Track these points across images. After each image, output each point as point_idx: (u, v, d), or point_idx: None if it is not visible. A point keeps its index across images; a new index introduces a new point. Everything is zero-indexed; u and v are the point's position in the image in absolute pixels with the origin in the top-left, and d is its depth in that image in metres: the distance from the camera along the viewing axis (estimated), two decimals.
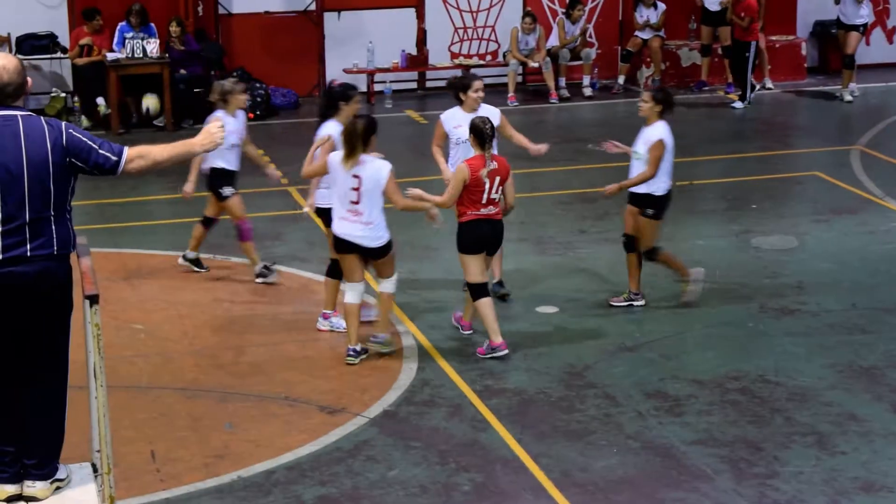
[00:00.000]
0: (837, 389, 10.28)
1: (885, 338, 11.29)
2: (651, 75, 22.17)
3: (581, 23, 21.62)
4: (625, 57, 22.11)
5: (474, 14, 22.24)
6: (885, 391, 10.22)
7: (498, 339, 10.91)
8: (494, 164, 10.77)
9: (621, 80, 22.11)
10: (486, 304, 10.91)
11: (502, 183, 10.85)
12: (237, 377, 10.59)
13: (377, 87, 21.40)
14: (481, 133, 10.74)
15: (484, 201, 10.78)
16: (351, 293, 10.82)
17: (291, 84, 21.30)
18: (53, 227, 6.51)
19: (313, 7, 21.49)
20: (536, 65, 21.20)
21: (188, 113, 19.77)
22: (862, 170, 16.65)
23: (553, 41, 21.60)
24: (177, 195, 15.86)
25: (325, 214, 11.22)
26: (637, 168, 11.60)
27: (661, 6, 21.90)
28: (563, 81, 21.62)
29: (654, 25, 21.94)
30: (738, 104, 20.58)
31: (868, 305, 12.06)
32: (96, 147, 6.65)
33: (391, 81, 21.47)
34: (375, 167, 10.55)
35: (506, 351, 10.90)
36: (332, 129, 11.14)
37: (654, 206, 11.60)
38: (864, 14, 20.93)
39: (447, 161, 11.94)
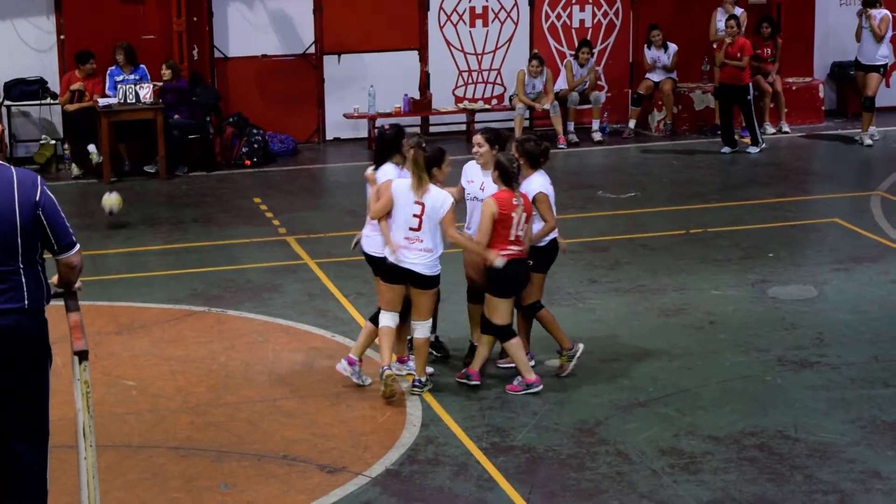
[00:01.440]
0: (860, 446, 10.22)
1: None
2: (663, 119, 22.23)
3: (590, 65, 21.69)
4: (635, 100, 22.18)
5: (479, 57, 22.32)
6: None
7: (532, 376, 11.23)
8: (521, 200, 11.10)
9: (632, 124, 22.17)
10: (516, 344, 11.26)
11: (528, 219, 11.16)
12: (233, 435, 10.54)
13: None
14: (507, 171, 11.07)
15: (512, 238, 11.07)
16: (389, 319, 11.22)
17: (290, 130, 21.36)
18: (23, 279, 6.52)
19: (312, 50, 21.57)
20: (545, 108, 21.25)
21: (183, 160, 19.82)
22: (883, 216, 16.65)
23: (561, 84, 21.67)
24: (170, 245, 15.90)
25: (375, 263, 11.42)
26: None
27: (673, 47, 21.98)
28: (571, 126, 21.68)
29: (666, 67, 22.02)
30: (753, 149, 20.61)
31: (891, 358, 12.01)
32: (63, 218, 6.76)
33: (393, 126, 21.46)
34: (440, 197, 11.01)
35: (541, 386, 11.22)
36: (389, 172, 11.41)
37: (534, 257, 11.53)
38: (885, 54, 20.97)
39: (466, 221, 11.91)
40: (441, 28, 22.06)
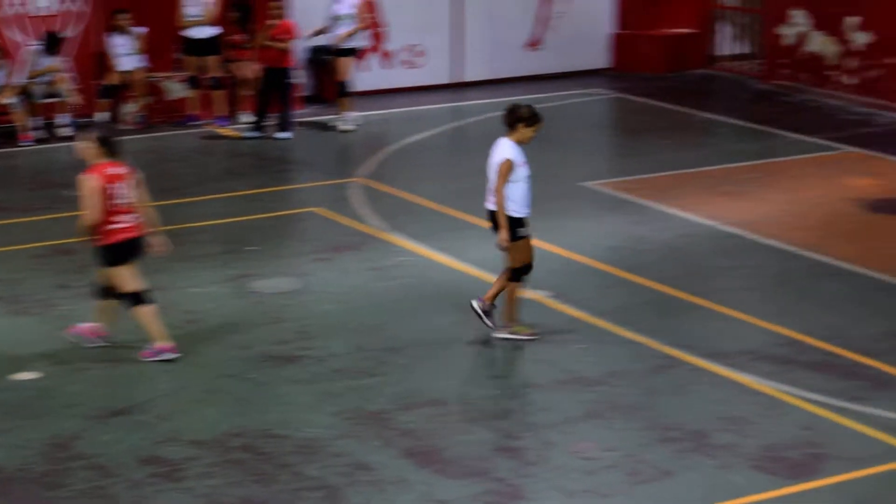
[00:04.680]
0: (347, 438, 10.53)
1: (392, 379, 11.67)
2: (136, 111, 22.05)
3: (57, 57, 21.25)
4: (104, 92, 21.89)
5: None
6: (394, 435, 10.54)
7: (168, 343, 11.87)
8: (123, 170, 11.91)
9: (103, 117, 21.86)
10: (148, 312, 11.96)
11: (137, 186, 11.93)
12: None
13: None
14: (108, 142, 12.17)
15: (123, 207, 11.77)
16: None
17: None
18: None
19: None
20: (7, 102, 20.68)
21: None
22: (364, 203, 17.13)
23: (23, 77, 21.16)
24: None
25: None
26: None
27: (139, 30, 21.78)
28: (38, 121, 21.19)
29: (133, 54, 21.77)
30: (284, 134, 20.86)
31: (374, 346, 12.41)
32: None
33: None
34: None
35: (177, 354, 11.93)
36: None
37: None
38: (356, 37, 21.57)
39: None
40: None
